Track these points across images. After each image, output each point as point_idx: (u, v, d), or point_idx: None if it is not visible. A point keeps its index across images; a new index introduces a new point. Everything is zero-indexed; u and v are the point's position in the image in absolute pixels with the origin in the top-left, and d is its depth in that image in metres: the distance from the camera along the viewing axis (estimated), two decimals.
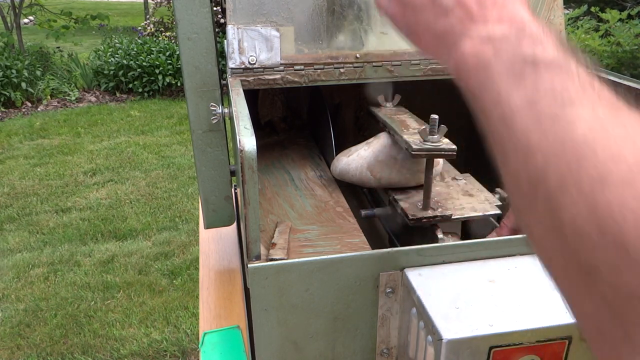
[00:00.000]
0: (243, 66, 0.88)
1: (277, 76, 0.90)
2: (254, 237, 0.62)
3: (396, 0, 0.47)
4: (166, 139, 5.02)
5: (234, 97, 0.76)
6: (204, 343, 0.92)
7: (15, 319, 2.58)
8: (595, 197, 0.27)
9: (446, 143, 0.80)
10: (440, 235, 0.83)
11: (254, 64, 0.88)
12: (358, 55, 0.92)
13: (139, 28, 8.67)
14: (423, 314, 0.58)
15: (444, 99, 1.24)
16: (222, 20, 1.06)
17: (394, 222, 0.95)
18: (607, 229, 0.26)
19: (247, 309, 0.98)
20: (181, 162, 4.46)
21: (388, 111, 1.02)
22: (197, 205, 3.66)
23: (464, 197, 0.88)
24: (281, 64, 0.89)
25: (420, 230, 0.87)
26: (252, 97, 1.40)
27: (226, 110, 0.88)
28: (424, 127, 0.82)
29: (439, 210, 0.84)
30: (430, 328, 0.57)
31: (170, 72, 6.26)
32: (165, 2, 8.30)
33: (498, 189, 0.89)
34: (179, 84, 6.26)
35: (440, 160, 0.94)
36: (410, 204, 0.86)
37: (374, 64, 0.93)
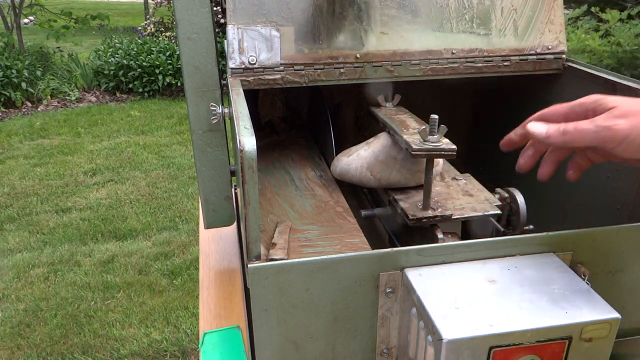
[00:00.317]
0: (243, 66, 0.88)
1: (277, 76, 0.90)
2: (254, 237, 0.62)
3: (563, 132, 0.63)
4: (166, 139, 5.03)
5: (234, 97, 0.76)
6: (204, 343, 0.92)
7: (15, 319, 2.58)
8: None
9: (446, 143, 0.80)
10: (440, 235, 0.82)
11: (254, 64, 0.88)
12: (358, 55, 0.92)
13: (139, 28, 8.68)
14: (423, 314, 0.58)
15: (444, 99, 1.24)
16: (222, 20, 1.06)
17: (394, 222, 0.95)
18: None
19: (247, 309, 0.98)
20: (181, 162, 4.46)
21: (388, 111, 1.02)
22: (197, 205, 3.66)
23: (463, 197, 0.88)
24: (281, 64, 0.89)
25: (420, 230, 0.86)
26: (252, 97, 1.40)
27: (226, 110, 0.88)
28: (424, 127, 0.82)
29: (439, 210, 0.84)
30: (430, 328, 0.57)
31: (170, 72, 6.26)
32: (165, 2, 8.31)
33: (498, 189, 0.89)
34: (179, 84, 6.27)
35: (440, 160, 0.94)
36: (410, 204, 0.86)
37: (374, 64, 0.93)
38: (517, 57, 0.99)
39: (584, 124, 0.62)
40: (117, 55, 6.32)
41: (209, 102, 0.90)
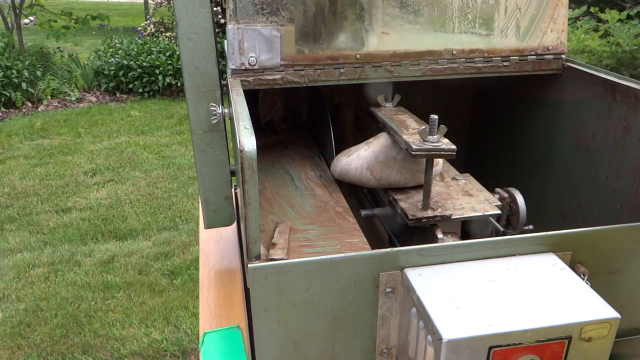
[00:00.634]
0: (243, 67, 0.88)
1: (277, 76, 0.90)
2: (254, 237, 0.62)
3: None
4: (166, 139, 5.02)
5: (234, 97, 0.76)
6: (204, 343, 0.92)
7: (15, 319, 2.58)
8: None
9: (446, 143, 0.80)
10: (440, 235, 0.83)
11: (254, 64, 0.88)
12: (358, 56, 0.92)
13: (139, 28, 8.68)
14: (423, 314, 0.59)
15: (444, 99, 1.24)
16: (222, 20, 1.06)
17: (394, 222, 0.95)
18: None
19: (247, 309, 0.98)
20: (181, 162, 4.46)
21: (388, 111, 1.02)
22: (197, 205, 3.66)
23: (463, 197, 0.88)
24: (281, 64, 0.89)
25: (420, 230, 0.87)
26: (252, 97, 1.41)
27: (226, 111, 0.88)
28: (423, 127, 0.82)
29: (439, 210, 0.84)
30: (430, 328, 0.57)
31: (170, 72, 6.26)
32: (166, 3, 8.30)
33: (498, 189, 0.89)
34: (179, 84, 6.27)
35: (440, 160, 0.94)
36: (410, 204, 0.86)
37: (374, 64, 0.93)
38: (517, 58, 0.99)
39: None
40: (117, 56, 6.32)
41: (209, 102, 0.90)
